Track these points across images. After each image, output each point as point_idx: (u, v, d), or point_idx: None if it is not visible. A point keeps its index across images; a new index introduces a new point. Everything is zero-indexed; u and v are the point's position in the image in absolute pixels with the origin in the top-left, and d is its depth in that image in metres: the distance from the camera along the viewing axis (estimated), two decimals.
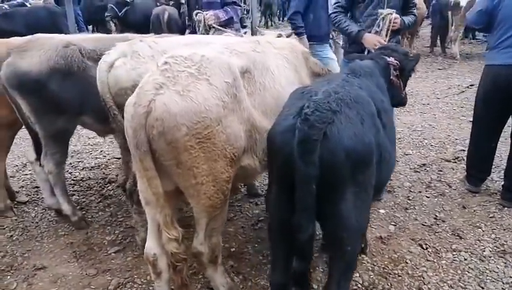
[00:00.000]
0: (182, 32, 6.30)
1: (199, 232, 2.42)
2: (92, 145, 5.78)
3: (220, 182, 2.24)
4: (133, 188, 2.98)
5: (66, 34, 4.07)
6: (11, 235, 3.62)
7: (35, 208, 4.09)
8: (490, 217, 3.65)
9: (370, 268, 3.04)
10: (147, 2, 10.51)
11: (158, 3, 9.93)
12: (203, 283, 2.96)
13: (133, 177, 2.95)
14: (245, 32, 4.53)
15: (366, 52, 3.76)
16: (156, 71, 2.11)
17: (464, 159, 4.74)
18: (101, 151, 5.57)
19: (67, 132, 3.48)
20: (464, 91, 7.69)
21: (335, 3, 4.11)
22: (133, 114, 2.02)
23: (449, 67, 9.77)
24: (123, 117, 2.67)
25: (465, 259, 3.12)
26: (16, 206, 4.08)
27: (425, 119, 6.25)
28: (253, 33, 6.49)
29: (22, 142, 5.53)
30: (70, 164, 5.06)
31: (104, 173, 4.88)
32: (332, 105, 1.86)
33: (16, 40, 3.41)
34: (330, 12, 4.19)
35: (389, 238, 3.40)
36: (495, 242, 3.31)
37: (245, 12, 10.54)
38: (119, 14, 9.79)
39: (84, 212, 3.93)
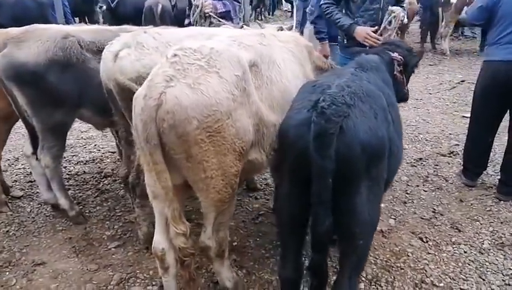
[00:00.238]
0: (174, 25, 6.21)
1: (207, 227, 2.40)
2: (85, 139, 5.69)
3: (228, 176, 2.21)
4: (136, 181, 2.95)
5: None
6: (7, 231, 3.55)
7: (31, 203, 4.01)
8: (487, 211, 3.71)
9: (373, 261, 3.07)
10: None
11: None
12: (207, 277, 2.95)
13: (136, 170, 2.92)
14: (242, 26, 4.46)
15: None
16: (165, 63, 2.07)
17: (458, 154, 4.82)
18: (95, 145, 5.49)
19: (65, 125, 3.42)
20: (455, 87, 7.80)
21: None
22: (143, 107, 1.98)
23: (439, 63, 9.87)
24: (127, 109, 2.66)
25: (465, 252, 3.18)
26: (10, 201, 3.99)
27: (419, 114, 6.31)
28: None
29: (13, 136, 5.40)
30: (65, 157, 4.94)
31: (99, 167, 4.81)
32: (347, 99, 1.85)
33: (12, 30, 3.31)
34: (321, 2, 4.14)
35: (390, 232, 3.43)
36: (493, 235, 3.37)
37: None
38: (112, 5, 9.60)
39: (81, 207, 3.87)
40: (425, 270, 2.98)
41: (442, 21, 10.47)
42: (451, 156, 4.85)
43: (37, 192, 4.16)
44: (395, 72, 2.92)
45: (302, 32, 5.89)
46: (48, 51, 3.09)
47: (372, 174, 1.89)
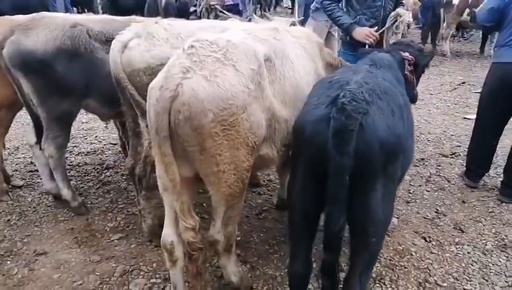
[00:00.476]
0: (177, 17, 6.16)
1: (216, 221, 2.39)
2: (86, 130, 5.64)
3: (240, 170, 2.20)
4: (143, 173, 2.92)
5: None
6: (8, 220, 3.51)
7: (32, 193, 3.98)
8: (490, 212, 3.73)
9: (377, 260, 3.07)
10: None
11: None
12: (211, 271, 2.94)
13: (143, 162, 2.89)
14: (249, 20, 4.43)
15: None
16: (181, 54, 2.05)
17: (460, 155, 4.84)
18: (96, 136, 5.45)
19: (71, 115, 3.38)
20: (456, 88, 7.82)
21: None
22: (158, 98, 1.96)
23: (440, 64, 9.89)
24: (133, 98, 2.63)
25: (468, 252, 3.19)
26: (10, 190, 3.95)
27: (421, 115, 6.32)
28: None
29: (13, 125, 5.30)
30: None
31: (100, 159, 4.77)
32: (366, 96, 1.84)
33: (18, 17, 3.27)
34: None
35: (393, 231, 3.43)
36: (496, 236, 3.38)
37: None
38: None
39: (83, 198, 3.83)
40: (429, 270, 2.99)
41: (444, 22, 10.49)
42: (453, 157, 4.86)
43: (38, 182, 4.12)
44: (405, 72, 2.91)
45: None
46: (56, 39, 3.05)
47: (388, 172, 1.89)
